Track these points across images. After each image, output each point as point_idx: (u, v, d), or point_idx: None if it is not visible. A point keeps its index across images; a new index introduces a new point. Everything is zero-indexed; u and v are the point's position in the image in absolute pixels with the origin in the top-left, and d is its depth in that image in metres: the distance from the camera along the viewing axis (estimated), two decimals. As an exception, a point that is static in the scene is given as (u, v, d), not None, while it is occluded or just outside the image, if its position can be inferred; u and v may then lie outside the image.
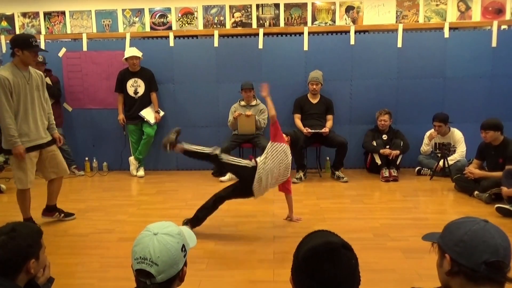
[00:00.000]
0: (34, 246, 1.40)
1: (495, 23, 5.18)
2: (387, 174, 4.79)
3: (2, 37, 5.59)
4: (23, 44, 3.05)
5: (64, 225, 3.49)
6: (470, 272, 1.10)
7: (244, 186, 3.13)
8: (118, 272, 2.53)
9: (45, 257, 1.50)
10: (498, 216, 3.41)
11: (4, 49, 5.58)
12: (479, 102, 5.25)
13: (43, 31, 5.68)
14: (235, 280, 2.43)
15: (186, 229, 1.42)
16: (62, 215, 3.56)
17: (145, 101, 5.26)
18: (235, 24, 5.53)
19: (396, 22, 5.37)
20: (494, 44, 5.18)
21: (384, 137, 5.04)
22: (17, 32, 5.71)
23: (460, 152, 4.85)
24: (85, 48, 5.52)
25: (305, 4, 5.44)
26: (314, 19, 5.46)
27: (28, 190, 3.27)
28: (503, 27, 5.26)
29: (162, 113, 5.36)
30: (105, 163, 5.62)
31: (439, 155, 4.84)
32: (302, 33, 5.34)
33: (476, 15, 5.33)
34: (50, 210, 3.53)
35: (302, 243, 1.13)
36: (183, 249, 1.28)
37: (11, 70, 3.07)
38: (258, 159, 3.15)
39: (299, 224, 3.38)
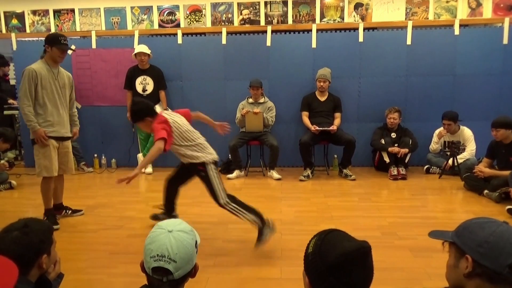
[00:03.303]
0: (46, 242, 1.42)
1: (507, 20, 5.11)
2: (395, 172, 4.77)
3: (13, 34, 5.64)
4: (52, 41, 3.25)
5: (73, 221, 3.52)
6: (493, 274, 1.06)
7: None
8: (127, 268, 2.55)
9: (56, 253, 1.51)
10: (509, 217, 3.37)
11: (14, 47, 5.64)
12: (489, 100, 5.19)
13: (52, 29, 5.72)
14: (243, 277, 2.44)
15: None
16: (70, 211, 3.63)
17: (153, 99, 5.25)
18: (243, 22, 5.53)
19: (405, 19, 5.31)
20: (505, 41, 5.11)
21: (393, 135, 5.01)
22: (27, 30, 5.77)
23: (469, 150, 4.80)
24: (94, 46, 5.56)
25: (314, 1, 5.41)
26: (322, 16, 5.43)
27: (53, 180, 3.38)
28: (514, 24, 5.19)
29: (170, 111, 5.38)
30: (113, 159, 5.66)
31: (449, 153, 4.80)
32: (311, 30, 5.32)
33: (487, 11, 5.25)
34: (57, 208, 3.58)
35: (322, 249, 1.08)
36: (196, 245, 1.30)
37: (41, 65, 3.27)
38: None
39: (306, 221, 3.38)
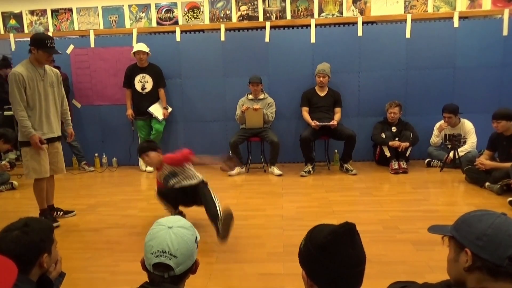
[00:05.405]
0: (47, 241, 1.42)
1: (506, 11, 5.08)
2: (396, 166, 4.76)
3: (11, 35, 5.63)
4: (39, 44, 3.16)
5: (75, 220, 3.53)
6: (493, 267, 1.05)
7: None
8: (129, 266, 2.55)
9: (57, 252, 1.51)
10: (510, 209, 3.36)
11: (13, 47, 5.63)
12: (490, 92, 5.17)
13: (50, 29, 5.71)
14: (245, 273, 2.44)
15: None
16: (61, 213, 3.58)
17: (152, 97, 5.28)
18: (241, 18, 5.51)
19: (404, 12, 5.29)
20: (505, 32, 5.08)
21: (393, 129, 5.00)
22: (25, 30, 5.76)
23: (470, 143, 4.79)
24: (92, 45, 5.55)
25: (312, -4, 5.39)
26: (321, 11, 5.40)
27: (44, 181, 3.34)
28: (514, 15, 5.16)
29: (170, 109, 5.38)
30: (114, 158, 5.67)
31: (449, 146, 4.79)
32: (309, 25, 5.29)
33: (486, 3, 5.22)
34: (49, 210, 3.56)
35: (311, 236, 1.12)
36: (196, 241, 1.30)
37: (26, 67, 3.19)
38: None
39: (308, 217, 3.38)
